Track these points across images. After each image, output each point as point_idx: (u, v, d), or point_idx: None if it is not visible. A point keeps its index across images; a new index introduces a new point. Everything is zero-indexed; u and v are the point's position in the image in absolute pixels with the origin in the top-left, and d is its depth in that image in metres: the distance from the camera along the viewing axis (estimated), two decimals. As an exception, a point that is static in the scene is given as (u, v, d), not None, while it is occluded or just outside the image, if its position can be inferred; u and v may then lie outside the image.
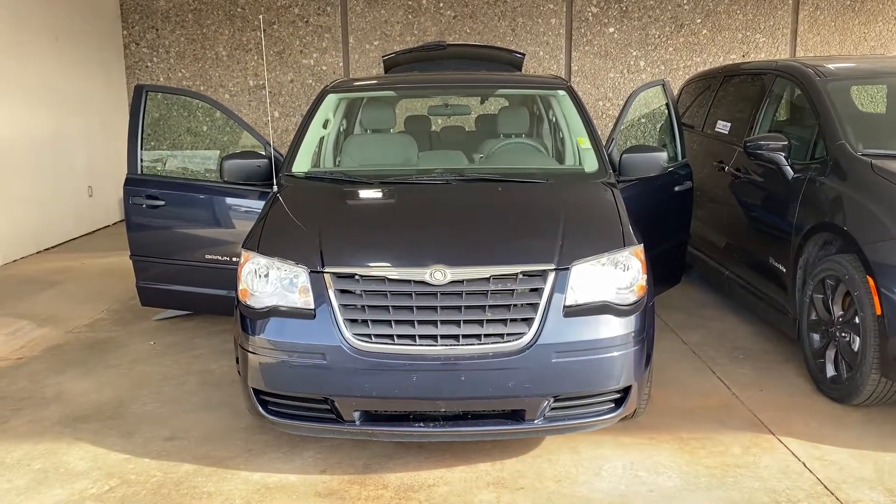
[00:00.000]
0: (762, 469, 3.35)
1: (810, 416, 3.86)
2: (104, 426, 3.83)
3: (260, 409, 3.22)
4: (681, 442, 3.59)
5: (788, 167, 4.60)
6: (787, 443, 3.58)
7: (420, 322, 3.03)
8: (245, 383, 3.23)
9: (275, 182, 3.95)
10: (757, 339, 5.02)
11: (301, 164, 4.19)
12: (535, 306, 3.06)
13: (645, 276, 3.31)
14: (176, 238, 4.75)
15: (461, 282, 3.06)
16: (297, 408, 3.17)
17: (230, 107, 9.86)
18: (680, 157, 5.09)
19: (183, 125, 9.85)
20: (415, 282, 3.06)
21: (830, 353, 4.08)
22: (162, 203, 4.67)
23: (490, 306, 3.05)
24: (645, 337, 3.25)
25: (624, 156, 4.18)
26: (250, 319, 3.19)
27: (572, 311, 3.09)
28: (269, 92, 9.75)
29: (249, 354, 3.17)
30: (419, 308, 3.04)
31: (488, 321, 3.03)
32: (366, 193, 3.85)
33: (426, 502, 3.10)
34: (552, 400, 3.10)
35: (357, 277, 3.10)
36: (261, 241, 3.35)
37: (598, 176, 4.04)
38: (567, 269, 3.13)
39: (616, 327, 3.12)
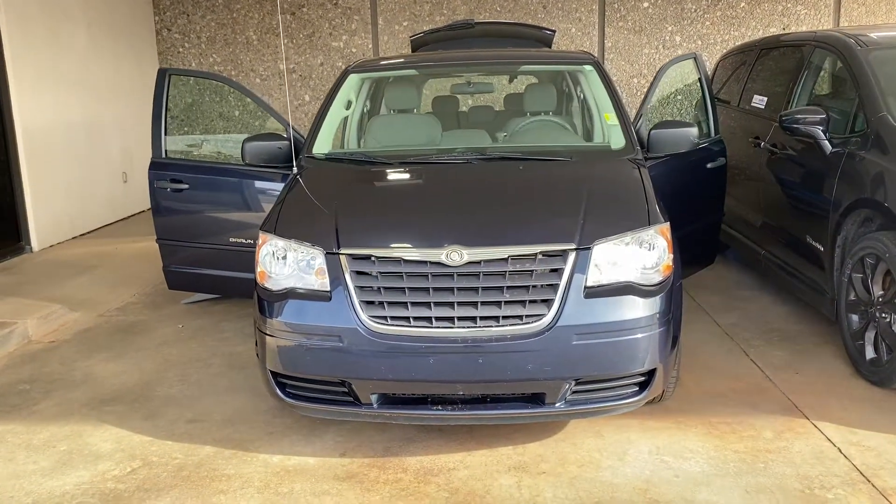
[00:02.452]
0: (795, 454, 3.23)
1: (847, 400, 3.72)
2: (129, 408, 3.85)
3: (278, 391, 3.20)
4: (710, 426, 3.48)
5: (826, 141, 4.42)
6: (822, 427, 3.45)
7: (437, 304, 2.97)
8: (263, 366, 3.21)
9: (294, 164, 3.91)
10: (793, 320, 4.86)
11: (321, 146, 4.14)
12: (554, 287, 2.97)
13: (671, 256, 3.19)
14: (201, 221, 4.76)
15: (478, 262, 2.99)
16: (315, 390, 3.14)
17: (260, 91, 9.88)
18: (713, 134, 4.93)
19: (215, 110, 9.92)
20: (431, 263, 3.00)
21: (870, 335, 3.92)
22: (186, 186, 4.67)
23: (508, 287, 2.97)
24: (671, 318, 3.14)
25: (653, 132, 4.05)
26: (268, 302, 3.16)
27: (594, 292, 3.00)
28: (300, 76, 9.73)
29: (267, 337, 3.14)
30: (435, 290, 2.98)
31: (506, 303, 2.96)
32: (384, 174, 3.79)
33: (446, 486, 3.05)
34: (573, 383, 3.02)
35: (373, 259, 3.05)
36: (278, 222, 3.32)
37: (624, 153, 3.92)
38: (588, 248, 3.04)
39: (640, 308, 3.02)
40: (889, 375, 3.75)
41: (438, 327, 2.95)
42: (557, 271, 3.00)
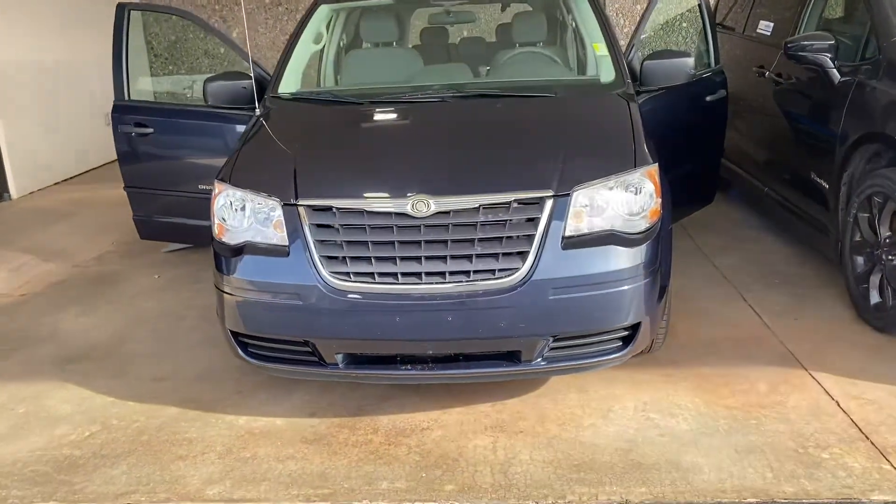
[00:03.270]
0: (790, 409, 3.03)
1: (849, 349, 3.51)
2: (95, 367, 3.69)
3: (240, 352, 3.01)
4: (701, 379, 3.29)
5: (835, 70, 4.10)
6: (820, 379, 3.25)
7: (402, 258, 2.74)
8: (223, 325, 3.01)
9: (257, 105, 3.64)
10: (796, 262, 4.62)
11: (288, 85, 3.86)
12: (530, 238, 2.74)
13: (659, 201, 2.94)
14: (168, 168, 4.52)
15: (447, 213, 2.75)
16: (278, 350, 2.96)
17: (246, 25, 9.47)
18: (713, 64, 4.61)
19: (200, 47, 9.55)
20: (396, 214, 2.76)
21: (875, 279, 3.68)
22: (151, 131, 4.41)
23: (480, 239, 2.74)
24: (658, 267, 2.91)
25: (645, 63, 3.74)
26: (224, 257, 2.94)
27: (573, 243, 2.77)
28: (286, 9, 9.30)
29: (225, 295, 2.94)
30: (401, 243, 2.75)
31: (478, 256, 2.73)
32: (350, 116, 3.52)
33: (417, 448, 2.88)
34: (551, 339, 2.82)
35: (334, 210, 2.81)
36: (234, 171, 3.08)
37: (613, 87, 3.63)
38: (567, 195, 2.79)
39: (623, 259, 2.79)
40: (894, 321, 3.53)
41: (405, 283, 2.73)
42: (533, 221, 2.76)
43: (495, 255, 2.73)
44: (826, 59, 4.11)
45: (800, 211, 4.53)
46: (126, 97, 4.45)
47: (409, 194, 2.75)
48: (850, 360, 3.40)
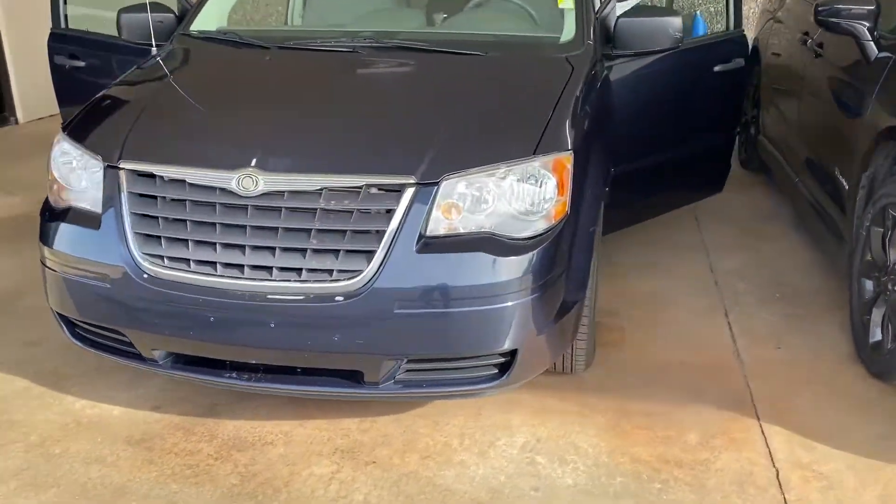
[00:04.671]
0: (712, 474, 2.41)
1: (825, 397, 2.82)
2: (-23, 319, 3.41)
3: (66, 332, 2.62)
4: (622, 416, 2.69)
5: (871, 42, 3.27)
6: (770, 435, 2.59)
7: (224, 245, 2.25)
8: (48, 301, 2.62)
9: (154, 44, 3.17)
10: (810, 273, 3.85)
11: (207, 21, 3.36)
12: (379, 235, 2.19)
13: (562, 199, 2.33)
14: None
15: (280, 194, 2.23)
16: (103, 336, 2.54)
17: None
18: (732, 26, 3.83)
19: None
20: (220, 189, 2.26)
21: (879, 312, 2.95)
22: (82, 65, 4.03)
23: (318, 231, 2.21)
24: (552, 280, 2.31)
25: (619, 21, 3.06)
26: (45, 223, 2.53)
27: (433, 245, 2.20)
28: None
29: (46, 269, 2.53)
30: (224, 226, 2.25)
31: (313, 251, 2.21)
32: (236, 64, 3.00)
33: (244, 467, 2.44)
34: (405, 361, 2.29)
35: (156, 178, 2.34)
36: (75, 121, 2.64)
37: (568, 48, 2.96)
38: (434, 183, 2.22)
39: (499, 269, 2.20)
40: (889, 369, 2.80)
41: (224, 276, 2.24)
42: (389, 213, 2.20)
43: (335, 252, 2.20)
44: (863, 28, 3.29)
45: (824, 212, 3.75)
46: (63, 24, 4.08)
47: (237, 167, 2.24)
48: (821, 413, 2.72)
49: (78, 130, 2.58)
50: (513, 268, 2.21)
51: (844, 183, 3.40)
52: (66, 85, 4.15)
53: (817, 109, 3.93)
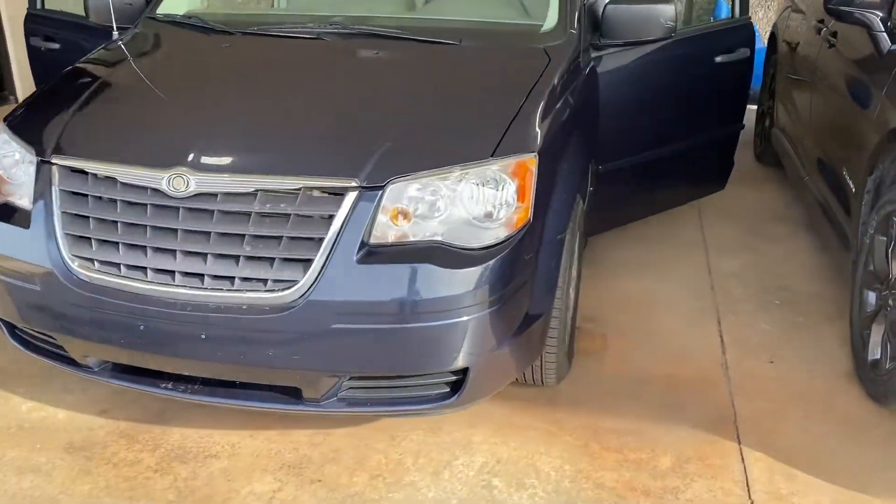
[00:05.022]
0: (681, 504, 2.24)
1: (817, 418, 2.61)
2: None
3: (6, 334, 2.50)
4: (593, 435, 2.51)
5: (884, 34, 3.03)
6: (749, 462, 2.40)
7: (154, 250, 2.10)
8: None
9: (115, 28, 3.02)
10: (815, 279, 3.62)
11: (177, 3, 3.19)
12: (318, 243, 2.03)
13: (524, 205, 2.14)
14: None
15: (213, 195, 2.07)
16: (40, 340, 2.42)
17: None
18: (738, 13, 3.58)
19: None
20: (152, 190, 2.11)
21: (879, 328, 2.73)
22: (57, 47, 3.89)
23: (252, 237, 2.05)
24: (510, 294, 2.13)
25: (608, 8, 2.85)
26: None
27: (375, 255, 2.03)
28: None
29: None
30: (154, 229, 2.10)
31: (247, 258, 2.05)
32: (193, 52, 2.83)
33: (183, 482, 2.31)
34: (347, 378, 2.14)
35: (88, 176, 2.19)
36: (18, 110, 2.51)
37: (550, 37, 2.76)
38: (380, 187, 2.04)
39: (449, 283, 2.03)
40: (886, 392, 2.59)
41: (154, 282, 2.10)
42: (329, 219, 2.04)
43: (270, 261, 2.04)
44: (875, 18, 3.04)
45: (830, 213, 3.51)
46: (39, 4, 3.94)
47: (168, 166, 2.09)
48: (809, 437, 2.52)
49: (19, 120, 2.45)
50: (463, 281, 2.03)
51: (851, 185, 3.16)
52: (42, 67, 4.02)
53: (828, 103, 3.68)
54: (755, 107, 5.49)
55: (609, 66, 3.07)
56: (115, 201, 2.14)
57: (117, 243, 2.13)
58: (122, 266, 2.12)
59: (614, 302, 3.38)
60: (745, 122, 3.94)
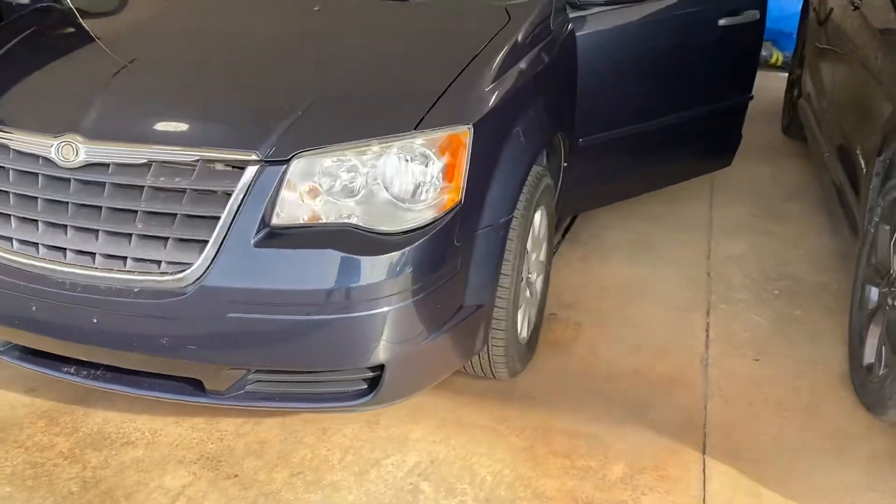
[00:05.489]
0: (624, 522, 2.01)
1: (798, 427, 2.35)
2: None
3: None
4: (541, 437, 2.29)
5: (904, -3, 2.67)
6: (711, 475, 2.15)
7: (46, 224, 1.93)
8: None
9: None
10: (823, 267, 3.30)
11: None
12: (214, 222, 1.83)
13: (452, 185, 1.91)
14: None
15: (104, 166, 1.88)
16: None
17: None
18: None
19: None
20: (43, 159, 1.93)
21: (876, 329, 2.43)
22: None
23: (144, 213, 1.86)
24: (434, 284, 1.91)
25: (588, -37, 2.56)
26: None
27: (281, 238, 1.82)
28: None
29: None
30: (46, 202, 1.93)
31: (140, 237, 1.87)
32: (93, 14, 2.60)
33: (92, 471, 2.16)
34: (254, 371, 1.95)
35: (-16, 142, 2.02)
36: None
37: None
38: (284, 161, 1.83)
39: (358, 270, 1.81)
40: (880, 399, 2.30)
41: (46, 259, 1.93)
42: (227, 196, 1.83)
43: (164, 240, 1.85)
44: (895, -23, 2.68)
45: (842, 195, 3.19)
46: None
47: (59, 133, 1.90)
48: (784, 450, 2.26)
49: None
50: (375, 269, 1.81)
51: (863, 164, 2.84)
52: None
53: (848, 73, 3.33)
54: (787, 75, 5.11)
55: (593, 28, 2.78)
56: (6, 170, 1.97)
57: (9, 216, 1.96)
58: (13, 241, 1.96)
59: (598, 287, 3.12)
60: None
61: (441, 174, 1.89)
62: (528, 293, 2.52)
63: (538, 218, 2.47)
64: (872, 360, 2.40)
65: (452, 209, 1.92)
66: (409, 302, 1.86)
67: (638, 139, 3.14)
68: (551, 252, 2.77)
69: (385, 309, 1.83)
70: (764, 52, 6.46)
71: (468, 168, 1.94)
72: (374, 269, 1.80)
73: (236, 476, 2.15)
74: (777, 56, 6.64)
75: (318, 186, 1.85)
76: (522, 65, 2.25)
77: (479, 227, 2.02)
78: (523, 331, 2.47)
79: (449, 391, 2.45)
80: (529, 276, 2.53)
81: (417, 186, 1.88)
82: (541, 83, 2.39)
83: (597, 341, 2.76)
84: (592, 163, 2.98)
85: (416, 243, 1.84)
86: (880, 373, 2.31)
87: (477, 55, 2.12)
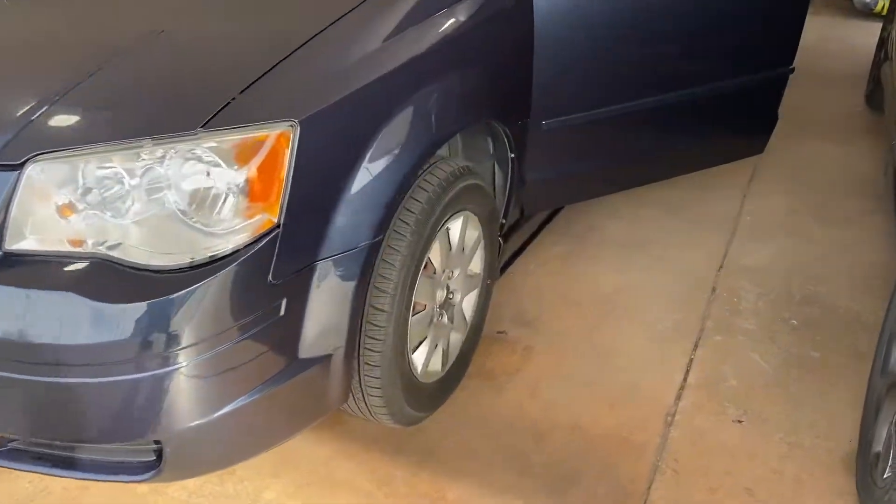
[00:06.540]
0: None
1: (775, 489, 1.77)
2: None
3: None
4: (408, 497, 1.81)
5: None
6: None
7: None
8: None
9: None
10: (866, 289, 2.62)
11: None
12: None
13: (261, 204, 1.40)
14: None
15: None
16: None
17: None
18: None
19: None
20: None
21: (893, 407, 1.79)
22: None
23: None
24: (240, 338, 1.41)
25: None
26: None
27: (9, 269, 1.37)
28: None
29: None
30: None
31: None
32: None
33: None
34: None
35: None
36: None
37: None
38: (17, 166, 1.36)
39: (109, 320, 1.33)
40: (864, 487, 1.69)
41: None
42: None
43: None
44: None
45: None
46: None
47: None
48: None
49: None
50: (130, 320, 1.33)
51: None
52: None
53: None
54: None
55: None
56: None
57: None
58: None
59: (569, 298, 2.57)
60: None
61: (242, 189, 1.38)
62: (444, 319, 2.01)
63: (457, 226, 1.94)
64: (880, 450, 1.77)
65: (264, 236, 1.41)
66: (189, 364, 1.39)
67: (635, 120, 2.51)
68: (493, 261, 2.23)
69: (147, 374, 1.36)
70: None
71: (291, 180, 1.42)
72: (127, 320, 1.33)
73: (43, 530, 1.78)
74: (883, 3, 5.66)
75: (76, 200, 1.38)
76: (413, 32, 1.68)
77: (319, 256, 1.51)
78: (429, 368, 1.97)
79: (332, 434, 2.00)
80: (450, 297, 2.02)
81: (207, 205, 1.38)
82: (454, 55, 1.81)
83: (541, 376, 2.22)
84: (563, 151, 2.38)
85: (195, 286, 1.35)
86: (885, 475, 1.69)
87: (333, 23, 1.57)
